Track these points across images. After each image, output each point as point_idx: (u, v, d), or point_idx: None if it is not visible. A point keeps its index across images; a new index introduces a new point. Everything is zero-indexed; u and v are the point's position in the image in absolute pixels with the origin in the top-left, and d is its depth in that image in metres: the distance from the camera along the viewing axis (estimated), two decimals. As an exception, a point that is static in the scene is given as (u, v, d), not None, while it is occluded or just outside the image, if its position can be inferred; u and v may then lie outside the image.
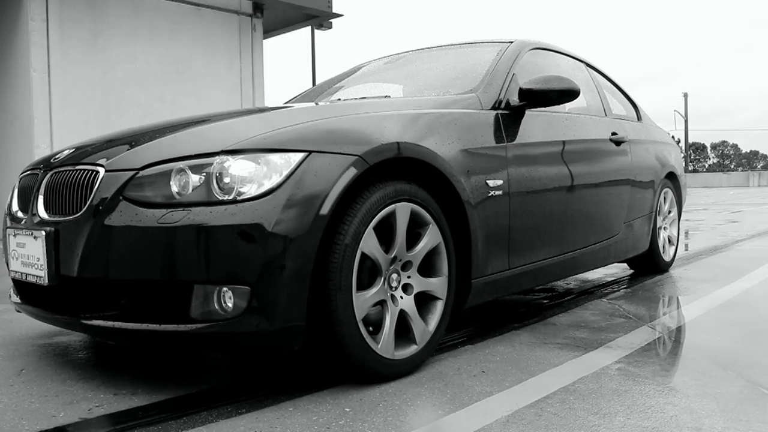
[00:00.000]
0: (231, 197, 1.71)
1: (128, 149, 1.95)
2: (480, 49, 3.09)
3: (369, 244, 1.89)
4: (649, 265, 4.12)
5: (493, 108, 2.54)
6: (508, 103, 2.61)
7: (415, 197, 2.04)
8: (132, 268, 1.74)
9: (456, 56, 3.17)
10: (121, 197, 1.79)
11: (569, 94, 2.62)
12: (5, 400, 1.84)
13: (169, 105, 8.84)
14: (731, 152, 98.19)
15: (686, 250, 5.46)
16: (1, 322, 2.96)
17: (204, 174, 1.75)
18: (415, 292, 2.07)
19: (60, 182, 2.01)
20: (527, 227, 2.57)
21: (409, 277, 2.07)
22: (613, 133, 3.40)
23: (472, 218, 2.24)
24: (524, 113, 2.65)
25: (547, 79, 2.59)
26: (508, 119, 2.57)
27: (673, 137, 4.93)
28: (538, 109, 2.75)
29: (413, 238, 2.08)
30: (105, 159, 1.92)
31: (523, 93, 2.59)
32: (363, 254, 1.87)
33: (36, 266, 1.95)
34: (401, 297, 2.03)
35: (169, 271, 1.70)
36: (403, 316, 2.02)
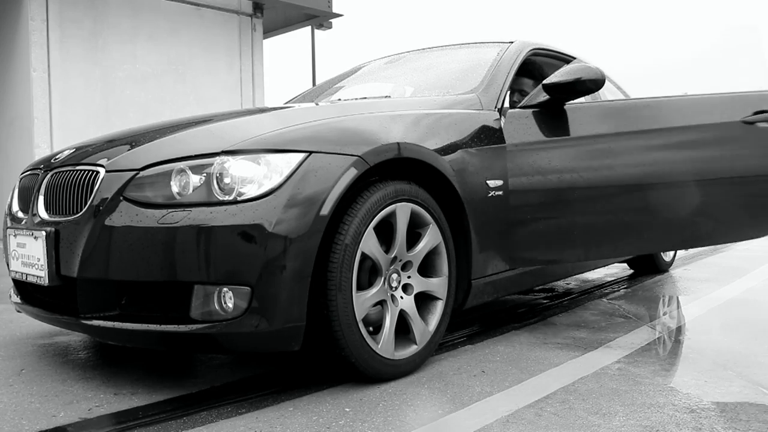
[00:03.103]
0: (231, 197, 1.71)
1: (129, 149, 1.95)
2: (480, 50, 3.09)
3: (369, 244, 1.89)
4: (649, 265, 4.12)
5: (494, 108, 2.54)
6: (513, 103, 2.60)
7: (416, 197, 2.04)
8: (132, 269, 1.74)
9: (456, 57, 3.17)
10: (121, 197, 1.79)
11: (596, 84, 2.49)
12: (5, 400, 1.84)
13: (169, 105, 8.84)
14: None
15: (686, 249, 5.46)
16: (1, 322, 2.96)
17: (204, 174, 1.75)
18: (415, 292, 2.07)
19: (60, 182, 2.02)
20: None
21: (409, 277, 2.07)
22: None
23: (472, 218, 2.24)
24: (529, 113, 2.65)
25: (571, 70, 2.48)
26: (509, 119, 2.56)
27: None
28: (536, 107, 2.73)
29: (413, 238, 2.08)
30: (105, 159, 1.93)
31: (549, 87, 2.52)
32: (363, 254, 1.88)
33: (36, 266, 1.96)
34: (401, 297, 2.03)
35: (170, 271, 1.70)
36: (403, 316, 2.03)
